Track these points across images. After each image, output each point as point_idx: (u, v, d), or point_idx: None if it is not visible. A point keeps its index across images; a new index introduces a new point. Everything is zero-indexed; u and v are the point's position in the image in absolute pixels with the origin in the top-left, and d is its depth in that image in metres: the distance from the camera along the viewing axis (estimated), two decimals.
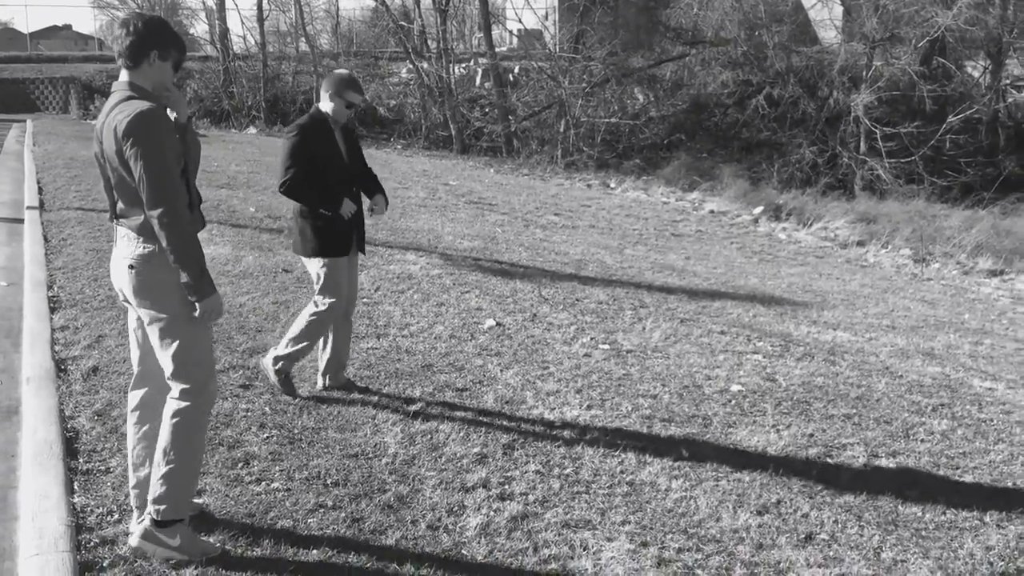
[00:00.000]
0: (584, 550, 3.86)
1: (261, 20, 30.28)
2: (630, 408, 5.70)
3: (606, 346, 7.11)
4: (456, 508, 4.14)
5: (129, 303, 3.46)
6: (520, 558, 3.75)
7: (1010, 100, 26.98)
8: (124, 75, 3.36)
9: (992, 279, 13.83)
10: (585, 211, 16.62)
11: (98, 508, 3.90)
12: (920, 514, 4.55)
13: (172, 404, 3.45)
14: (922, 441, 5.63)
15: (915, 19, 24.35)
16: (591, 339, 7.28)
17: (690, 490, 4.55)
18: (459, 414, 5.30)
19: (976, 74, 27.01)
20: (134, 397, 3.66)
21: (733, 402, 6.04)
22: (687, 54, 29.13)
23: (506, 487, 4.40)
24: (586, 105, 27.10)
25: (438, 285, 8.56)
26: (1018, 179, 23.78)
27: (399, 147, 26.87)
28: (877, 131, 23.57)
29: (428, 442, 4.87)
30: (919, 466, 5.19)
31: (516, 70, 30.18)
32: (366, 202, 5.53)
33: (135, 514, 3.65)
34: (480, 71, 30.71)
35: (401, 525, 3.93)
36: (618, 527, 4.09)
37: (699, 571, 3.77)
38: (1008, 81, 26.78)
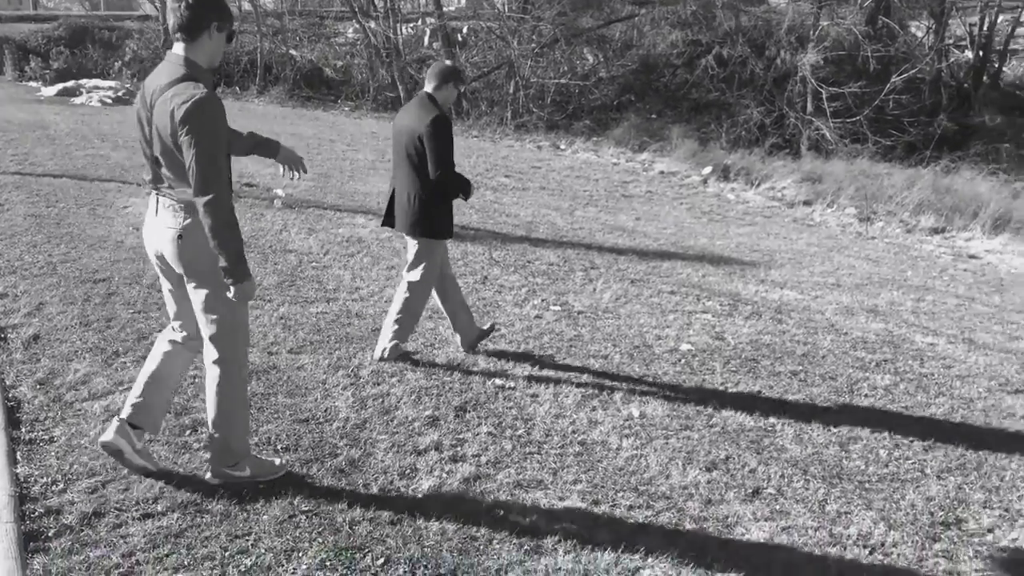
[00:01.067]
0: (536, 509, 3.88)
1: None
2: (581, 369, 5.73)
3: (557, 307, 7.13)
4: (408, 471, 4.14)
5: (168, 268, 3.62)
6: (473, 519, 3.76)
7: (952, 60, 27.35)
8: (180, 48, 3.38)
9: (934, 236, 14.09)
10: (535, 173, 16.57)
11: (42, 478, 3.83)
12: (863, 467, 4.66)
13: (212, 372, 3.69)
14: (866, 396, 5.75)
15: None
16: (542, 301, 7.29)
17: (640, 448, 4.61)
18: (410, 377, 5.28)
19: (920, 34, 27.31)
20: (163, 335, 3.92)
21: (683, 361, 6.10)
22: (636, 14, 29.00)
23: (458, 449, 4.41)
24: (535, 66, 26.89)
25: (388, 248, 8.50)
26: (958, 137, 24.20)
27: (347, 109, 26.48)
28: (823, 91, 23.77)
29: (379, 406, 4.85)
30: (863, 421, 5.30)
31: (464, 30, 29.81)
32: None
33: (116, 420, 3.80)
34: (428, 31, 30.27)
35: (353, 488, 3.92)
36: (570, 486, 4.13)
37: (650, 527, 3.82)
38: (951, 41, 27.13)
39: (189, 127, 3.21)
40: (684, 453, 4.59)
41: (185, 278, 3.55)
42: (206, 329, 3.62)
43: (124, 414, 3.76)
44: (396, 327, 5.49)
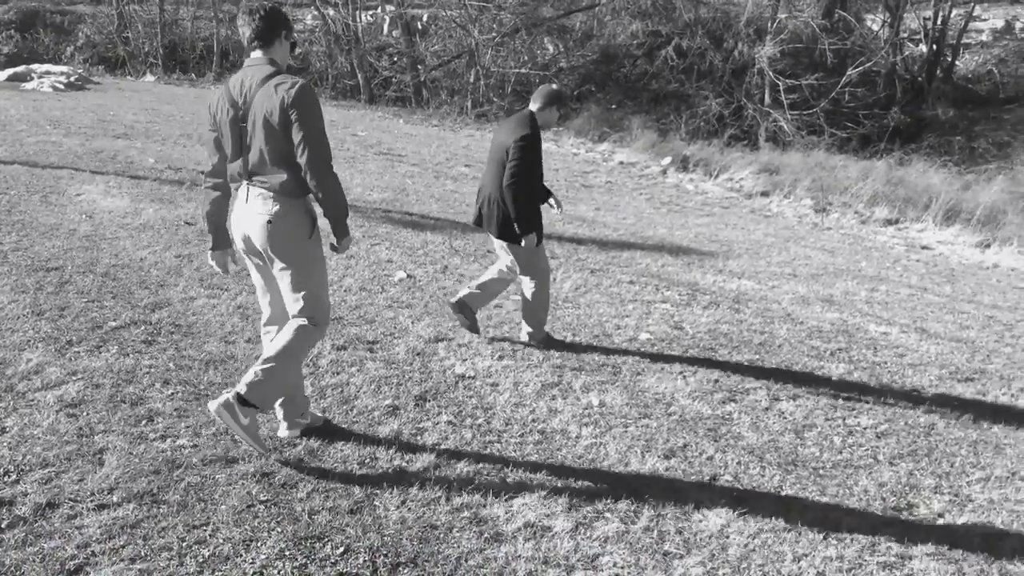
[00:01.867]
0: (496, 497, 3.90)
1: None
2: (541, 358, 5.75)
3: (517, 297, 7.14)
4: (368, 460, 4.13)
5: (257, 253, 3.94)
6: (432, 507, 3.76)
7: (907, 53, 27.76)
8: (259, 53, 3.82)
9: (887, 228, 14.32)
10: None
11: None
12: (818, 454, 4.73)
13: (294, 323, 3.96)
14: (821, 384, 5.84)
15: None
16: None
17: (600, 436, 4.64)
18: (370, 367, 5.27)
19: (875, 27, 27.67)
20: (267, 334, 4.21)
21: (642, 350, 6.14)
22: (597, 4, 29.06)
23: (418, 438, 4.40)
24: (496, 55, 26.86)
25: None
26: (912, 130, 24.59)
27: None
28: (780, 83, 24.01)
29: (339, 395, 4.83)
30: (818, 408, 5.38)
31: (425, 18, 29.66)
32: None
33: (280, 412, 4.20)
34: (388, 19, 30.07)
35: (312, 478, 3.91)
36: (530, 475, 4.14)
37: (608, 515, 3.85)
38: (905, 35, 27.53)
39: (299, 109, 3.63)
40: (643, 441, 4.63)
41: (272, 260, 3.89)
42: (293, 306, 3.96)
43: (240, 390, 3.86)
44: (528, 319, 5.93)
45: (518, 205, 5.49)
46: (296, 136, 3.67)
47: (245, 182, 3.88)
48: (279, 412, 4.24)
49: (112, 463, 3.85)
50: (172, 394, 4.63)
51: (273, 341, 3.98)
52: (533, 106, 5.70)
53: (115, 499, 3.59)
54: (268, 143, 3.72)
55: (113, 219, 8.19)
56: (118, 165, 11.01)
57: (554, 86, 5.80)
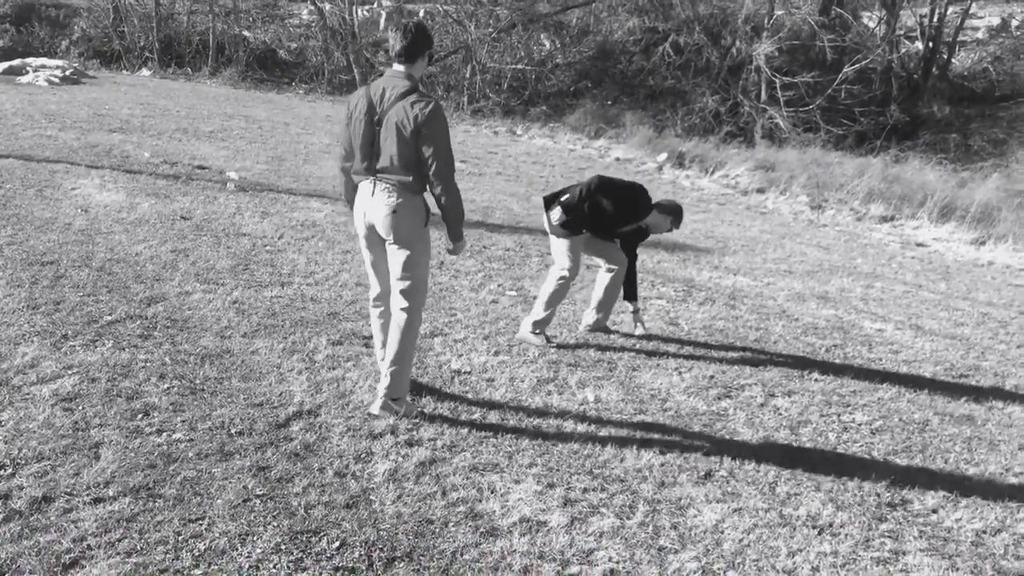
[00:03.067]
0: (492, 493, 3.91)
1: None
2: (537, 354, 5.76)
3: (513, 292, 7.15)
4: (364, 455, 4.14)
5: (376, 237, 4.50)
6: (428, 502, 3.77)
7: (903, 51, 27.78)
8: (401, 67, 4.29)
9: (883, 225, 14.35)
10: (492, 158, 16.56)
11: None
12: (812, 449, 4.75)
13: (400, 317, 4.47)
14: (816, 381, 5.85)
15: None
16: (498, 286, 7.31)
17: (595, 432, 4.65)
18: (366, 362, 5.27)
19: (872, 25, 27.69)
20: (376, 310, 4.76)
21: (637, 346, 6.15)
22: (594, 0, 29.06)
23: (414, 433, 4.41)
24: (492, 51, 26.82)
25: (343, 233, 8.44)
26: (908, 128, 24.63)
27: (301, 91, 26.18)
28: (777, 80, 24.03)
29: (335, 390, 4.83)
30: (813, 404, 5.40)
31: (421, 13, 29.60)
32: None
33: (382, 380, 4.59)
34: (384, 14, 30.01)
35: (308, 472, 3.91)
36: (525, 469, 4.15)
37: (603, 509, 3.86)
38: (902, 32, 27.55)
39: (430, 127, 4.16)
40: (638, 436, 4.64)
41: (393, 244, 4.42)
42: (400, 283, 4.46)
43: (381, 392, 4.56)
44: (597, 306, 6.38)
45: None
46: (427, 150, 4.20)
47: (372, 177, 4.38)
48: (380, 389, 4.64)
49: (108, 457, 3.85)
50: (168, 388, 4.63)
51: (388, 344, 4.54)
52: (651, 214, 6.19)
53: (111, 493, 3.59)
54: (399, 150, 4.22)
55: (109, 213, 8.18)
56: (114, 159, 10.99)
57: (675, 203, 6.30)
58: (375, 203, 4.39)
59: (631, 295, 6.36)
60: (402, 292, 4.47)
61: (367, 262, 4.68)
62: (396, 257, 4.45)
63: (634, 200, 6.05)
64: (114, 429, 4.14)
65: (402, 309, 4.48)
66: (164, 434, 4.13)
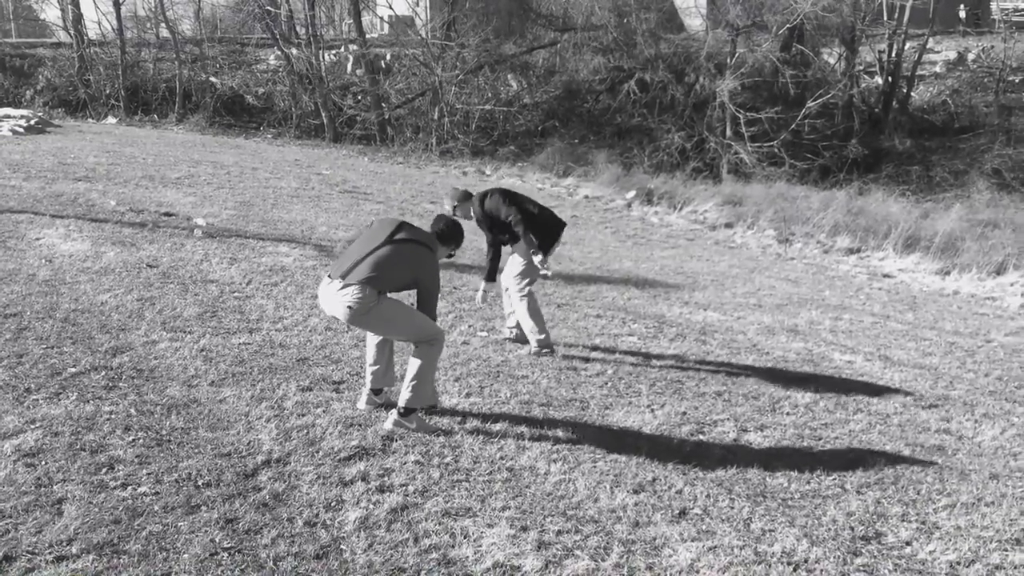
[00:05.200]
0: (465, 538, 3.86)
1: (117, 5, 28.77)
2: (509, 394, 5.73)
3: (484, 333, 7.13)
4: (334, 503, 4.08)
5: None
6: (400, 549, 3.72)
7: (863, 86, 28.33)
8: (434, 232, 5.22)
9: (850, 257, 14.52)
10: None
11: None
12: (786, 484, 4.74)
13: (422, 351, 4.94)
14: (787, 414, 5.87)
15: (776, 6, 25.24)
16: (469, 327, 7.29)
17: (568, 472, 4.61)
18: (336, 408, 5.21)
19: (832, 61, 28.23)
20: (372, 340, 5.18)
21: (609, 384, 6.15)
22: (559, 41, 29.42)
23: (385, 479, 4.36)
24: (460, 92, 27.03)
25: (312, 277, 8.40)
26: (870, 160, 25.04)
27: (269, 136, 26.20)
28: (741, 116, 24.38)
29: (304, 437, 4.77)
30: (785, 438, 5.40)
31: (388, 57, 29.80)
32: None
33: (367, 393, 5.24)
34: (351, 58, 30.16)
35: (277, 523, 3.84)
36: (498, 513, 4.11)
37: (578, 552, 3.82)
38: (861, 67, 28.11)
39: (430, 297, 5.08)
40: (612, 476, 4.62)
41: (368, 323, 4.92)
42: (409, 334, 5.04)
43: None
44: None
45: None
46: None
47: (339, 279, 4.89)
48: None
49: (71, 513, 3.77)
50: (133, 440, 4.55)
51: (410, 371, 4.97)
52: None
53: (74, 550, 3.51)
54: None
55: (73, 263, 8.09)
56: (79, 208, 10.90)
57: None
58: (338, 300, 4.82)
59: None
60: (415, 336, 4.99)
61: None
62: (382, 327, 5.02)
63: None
64: (78, 484, 4.05)
65: (420, 343, 5.00)
66: (129, 488, 4.05)
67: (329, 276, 4.92)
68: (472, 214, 6.68)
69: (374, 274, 4.78)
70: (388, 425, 4.95)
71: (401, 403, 4.96)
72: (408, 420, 4.97)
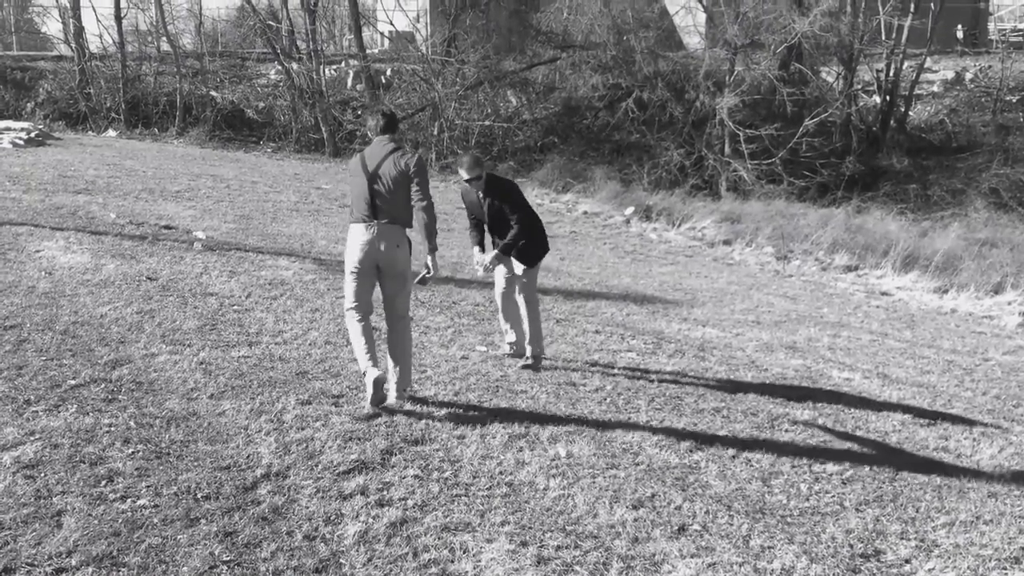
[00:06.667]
0: (464, 553, 3.86)
1: (119, 18, 28.85)
2: (508, 409, 5.73)
3: (483, 348, 7.14)
4: (334, 516, 4.08)
5: (371, 268, 5.52)
6: (400, 564, 3.71)
7: (861, 104, 28.44)
8: (386, 137, 5.57)
9: (848, 274, 14.55)
10: (461, 213, 16.61)
11: None
12: (785, 501, 4.74)
13: (400, 325, 5.64)
14: (786, 431, 5.87)
15: (774, 26, 25.35)
16: (469, 342, 7.29)
17: (568, 488, 4.61)
18: (335, 421, 5.22)
19: (830, 79, 28.34)
20: (356, 317, 5.55)
21: (608, 400, 6.15)
22: (558, 58, 29.53)
23: (385, 493, 4.35)
24: (460, 108, 27.11)
25: (312, 291, 8.41)
26: (868, 179, 25.12)
27: (269, 150, 26.25)
28: (740, 133, 24.46)
29: (304, 451, 4.77)
30: (784, 455, 5.40)
31: (388, 72, 29.90)
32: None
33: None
34: (352, 73, 30.25)
35: (276, 537, 3.84)
36: (498, 528, 4.11)
37: (577, 567, 3.82)
38: (859, 86, 28.23)
39: (418, 171, 5.45)
40: (611, 492, 4.62)
41: (392, 272, 5.55)
42: (403, 303, 5.67)
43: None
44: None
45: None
46: (415, 186, 5.46)
47: (375, 220, 5.46)
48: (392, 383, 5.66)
49: (71, 525, 3.77)
50: (133, 453, 4.55)
51: (397, 351, 5.58)
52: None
53: (74, 562, 3.50)
54: (393, 194, 5.44)
55: (73, 275, 8.10)
56: (79, 221, 10.92)
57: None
58: (378, 241, 5.45)
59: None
60: (399, 306, 5.62)
61: (355, 285, 5.54)
62: (395, 282, 5.59)
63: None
64: (77, 496, 4.05)
65: (400, 318, 5.63)
66: (128, 500, 4.05)
67: None
68: (478, 190, 6.65)
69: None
70: (392, 399, 5.55)
71: (399, 386, 5.63)
72: (405, 395, 5.73)
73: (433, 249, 5.58)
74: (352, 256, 5.52)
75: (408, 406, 5.52)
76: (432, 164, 25.42)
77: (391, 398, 5.53)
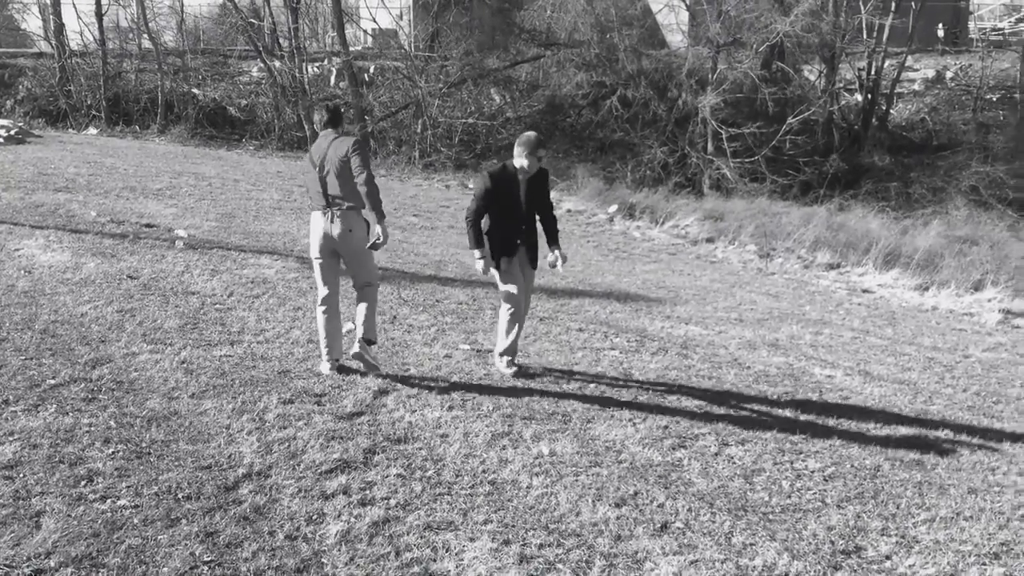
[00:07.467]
0: (447, 551, 3.85)
1: (100, 15, 28.66)
2: (491, 407, 5.72)
3: (466, 346, 7.13)
4: (316, 516, 4.06)
5: (333, 251, 5.96)
6: (382, 563, 3.70)
7: (843, 102, 28.60)
8: (330, 130, 5.97)
9: (830, 272, 14.62)
10: (444, 212, 16.62)
11: None
12: (767, 498, 4.76)
13: (366, 291, 6.07)
14: (768, 428, 5.89)
15: (755, 25, 25.45)
16: (451, 340, 7.28)
17: (551, 486, 4.61)
18: (318, 420, 5.20)
19: (812, 78, 28.49)
20: (322, 311, 6.03)
21: (591, 398, 6.15)
22: (542, 55, 29.54)
23: (367, 492, 4.34)
24: (443, 105, 27.09)
25: (295, 289, 8.38)
26: (850, 177, 25.26)
27: (251, 148, 26.13)
28: (723, 132, 24.55)
29: (286, 450, 4.75)
30: (766, 452, 5.42)
31: (371, 70, 29.81)
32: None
33: (329, 358, 6.12)
34: (334, 70, 30.15)
35: (258, 537, 3.82)
36: (480, 527, 4.10)
37: (560, 566, 3.82)
38: (841, 85, 28.38)
39: (356, 150, 5.76)
40: (594, 490, 4.62)
41: (348, 252, 5.95)
42: (364, 276, 6.07)
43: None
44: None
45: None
46: (356, 168, 5.72)
47: (328, 207, 5.87)
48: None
49: (50, 526, 3.74)
50: (113, 453, 4.52)
51: (359, 308, 6.06)
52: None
53: (52, 564, 3.48)
54: (339, 179, 5.78)
55: (53, 274, 8.04)
56: (59, 219, 10.84)
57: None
58: (334, 226, 5.84)
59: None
60: (362, 278, 6.06)
61: (320, 272, 6.01)
62: (353, 260, 5.99)
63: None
64: (56, 497, 4.02)
65: (365, 286, 6.06)
66: (108, 500, 4.02)
67: None
68: (530, 174, 6.28)
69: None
70: (353, 352, 6.08)
71: (363, 338, 6.08)
72: (371, 349, 6.16)
73: (381, 217, 5.79)
74: (313, 244, 6.02)
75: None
76: (416, 162, 25.36)
77: (354, 348, 6.07)
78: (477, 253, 6.25)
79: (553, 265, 6.59)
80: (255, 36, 28.66)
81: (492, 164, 6.64)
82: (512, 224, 6.33)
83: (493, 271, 6.35)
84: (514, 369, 6.50)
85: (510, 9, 31.13)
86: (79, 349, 6.10)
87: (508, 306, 6.33)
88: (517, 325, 6.38)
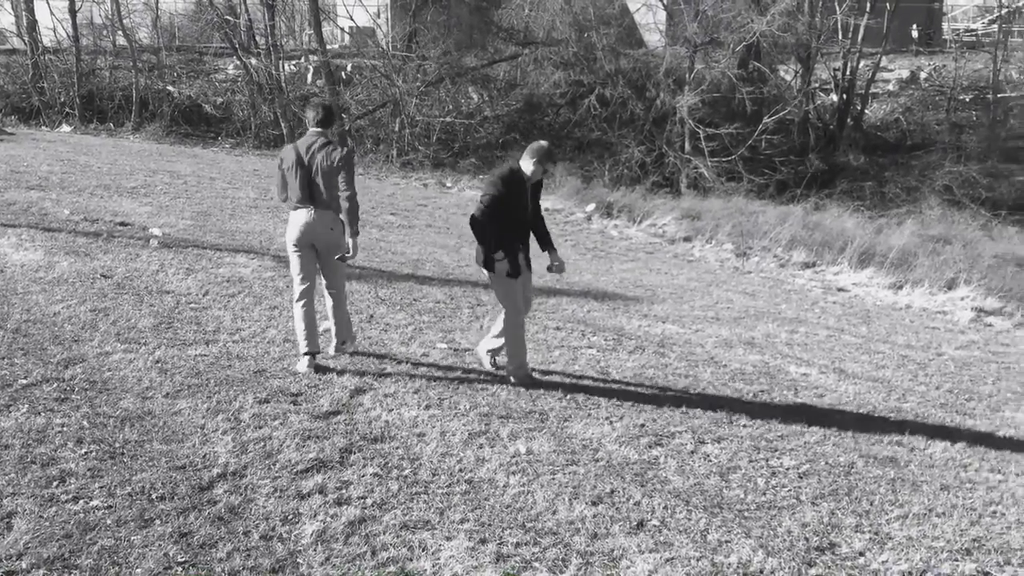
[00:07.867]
0: (423, 551, 3.85)
1: (73, 11, 28.34)
2: (468, 406, 5.72)
3: (444, 345, 7.12)
4: (291, 516, 4.04)
5: (312, 248, 6.12)
6: (358, 563, 3.69)
7: (819, 102, 28.79)
8: (318, 129, 6.06)
9: (805, 271, 14.72)
10: (422, 210, 16.59)
11: None
12: (743, 496, 4.79)
13: (338, 297, 6.37)
14: (744, 426, 5.92)
15: (733, 24, 25.57)
16: (429, 339, 7.27)
17: (527, 485, 4.62)
18: (294, 420, 5.17)
19: (788, 78, 28.65)
20: (300, 305, 6.10)
21: (568, 396, 6.16)
22: (520, 54, 29.53)
23: (343, 492, 4.33)
24: (421, 104, 27.01)
25: (271, 288, 8.33)
26: (826, 176, 25.45)
27: (227, 146, 25.96)
28: (700, 131, 24.65)
29: (261, 450, 4.72)
30: (742, 450, 5.45)
31: (348, 68, 29.69)
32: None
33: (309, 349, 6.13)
34: (311, 68, 29.99)
35: (233, 537, 3.80)
36: (457, 525, 4.10)
37: (536, 564, 3.83)
38: (817, 85, 28.57)
39: (345, 164, 5.95)
40: (571, 488, 4.63)
41: (327, 251, 6.11)
42: (339, 280, 6.33)
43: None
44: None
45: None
46: (342, 179, 5.93)
47: (311, 206, 6.02)
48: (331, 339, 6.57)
49: (21, 527, 3.70)
50: (86, 453, 4.48)
51: (333, 309, 6.37)
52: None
53: (24, 565, 3.44)
54: (325, 181, 5.94)
55: (25, 273, 7.95)
56: (31, 217, 10.71)
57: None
58: (315, 224, 6.02)
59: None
60: (335, 281, 6.30)
61: (298, 262, 6.12)
62: (329, 257, 6.13)
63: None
64: (28, 498, 3.98)
65: (337, 290, 6.30)
66: (81, 501, 3.99)
67: None
68: (535, 180, 6.30)
69: None
70: (331, 352, 6.48)
71: (340, 339, 6.54)
72: (347, 347, 6.58)
73: (355, 233, 6.00)
74: (291, 235, 6.11)
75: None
76: (393, 160, 25.30)
77: (330, 350, 6.47)
78: (500, 255, 6.13)
79: (550, 269, 6.56)
80: (231, 33, 28.46)
81: (501, 168, 6.38)
82: (517, 228, 6.31)
83: (493, 271, 6.25)
84: (496, 366, 6.56)
85: (488, 8, 31.06)
86: (51, 349, 6.04)
87: (511, 311, 6.25)
88: (518, 328, 6.27)
